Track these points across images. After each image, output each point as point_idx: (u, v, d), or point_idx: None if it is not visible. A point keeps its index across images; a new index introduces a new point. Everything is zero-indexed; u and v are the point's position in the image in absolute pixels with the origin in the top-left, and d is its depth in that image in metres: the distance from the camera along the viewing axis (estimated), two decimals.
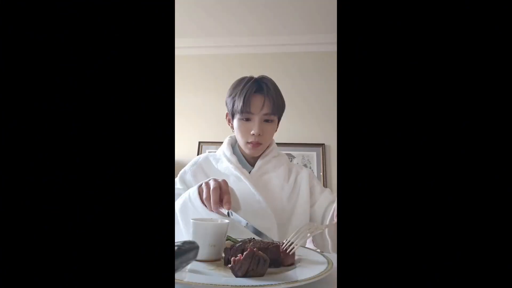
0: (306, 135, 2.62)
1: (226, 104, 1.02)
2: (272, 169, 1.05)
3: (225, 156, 1.04)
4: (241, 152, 1.06)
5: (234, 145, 1.10)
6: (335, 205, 0.74)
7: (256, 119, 0.96)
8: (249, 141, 0.98)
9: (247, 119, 0.97)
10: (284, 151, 2.53)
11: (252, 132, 0.96)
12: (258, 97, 0.96)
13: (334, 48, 2.67)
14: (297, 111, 2.65)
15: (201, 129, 2.75)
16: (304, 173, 1.07)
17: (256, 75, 1.03)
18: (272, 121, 0.99)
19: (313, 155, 2.55)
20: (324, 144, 2.58)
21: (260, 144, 0.98)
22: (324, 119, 2.64)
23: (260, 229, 0.70)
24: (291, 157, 2.55)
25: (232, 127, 1.04)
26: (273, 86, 0.99)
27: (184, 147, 2.71)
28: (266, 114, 0.96)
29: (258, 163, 1.03)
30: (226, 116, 1.05)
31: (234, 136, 1.08)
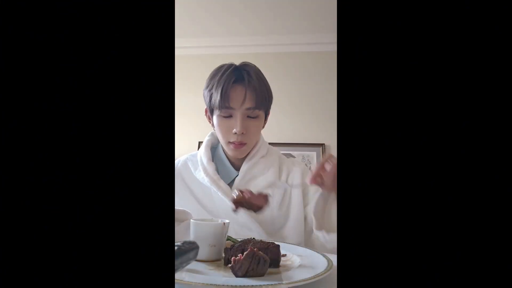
0: (306, 135, 2.62)
1: (204, 98, 0.87)
2: (260, 172, 0.89)
3: (202, 164, 0.89)
4: (225, 154, 0.91)
5: (216, 146, 0.94)
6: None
7: (237, 115, 0.81)
8: (231, 140, 0.84)
9: (228, 116, 0.82)
10: (284, 151, 2.53)
11: (234, 130, 0.81)
12: (238, 89, 0.81)
13: (334, 48, 2.67)
14: (297, 111, 2.65)
15: (201, 129, 2.75)
16: (296, 172, 0.92)
17: (238, 62, 0.87)
18: (256, 116, 0.84)
19: (313, 155, 2.55)
20: (324, 144, 2.58)
21: (244, 144, 0.84)
22: (324, 119, 2.64)
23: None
24: (291, 157, 2.55)
25: (213, 125, 0.89)
26: (256, 75, 0.83)
27: (184, 147, 2.71)
28: (249, 109, 0.81)
29: (243, 167, 0.88)
30: (206, 112, 0.90)
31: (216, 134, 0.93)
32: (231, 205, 0.65)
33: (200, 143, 2.72)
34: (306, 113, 2.68)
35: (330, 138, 2.59)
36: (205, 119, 0.93)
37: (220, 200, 0.85)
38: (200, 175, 0.89)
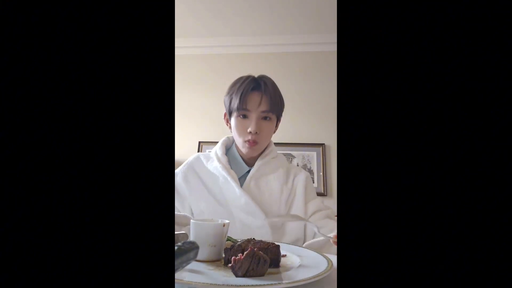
0: (306, 135, 2.62)
1: (224, 103, 1.03)
2: (271, 170, 1.04)
3: (216, 155, 1.04)
4: (239, 153, 1.04)
5: (230, 146, 1.09)
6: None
7: (253, 116, 0.95)
8: (246, 139, 0.97)
9: (244, 116, 0.96)
10: (284, 151, 2.53)
11: (249, 129, 0.95)
12: (255, 94, 0.96)
13: (334, 48, 2.67)
14: (297, 111, 2.65)
15: (201, 129, 2.75)
16: (301, 176, 1.06)
17: (256, 75, 1.03)
18: (270, 119, 0.98)
19: (313, 155, 2.55)
20: (324, 144, 2.58)
21: (257, 143, 0.97)
22: (324, 119, 2.64)
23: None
24: (291, 157, 2.55)
25: (230, 127, 1.03)
26: (271, 84, 0.99)
27: (184, 147, 2.71)
28: (263, 112, 0.95)
29: (258, 163, 1.02)
30: (224, 116, 1.06)
31: (231, 137, 1.08)
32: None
33: (200, 143, 2.72)
34: (306, 113, 2.68)
35: (330, 138, 2.59)
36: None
37: (227, 189, 0.97)
38: (213, 165, 1.01)
